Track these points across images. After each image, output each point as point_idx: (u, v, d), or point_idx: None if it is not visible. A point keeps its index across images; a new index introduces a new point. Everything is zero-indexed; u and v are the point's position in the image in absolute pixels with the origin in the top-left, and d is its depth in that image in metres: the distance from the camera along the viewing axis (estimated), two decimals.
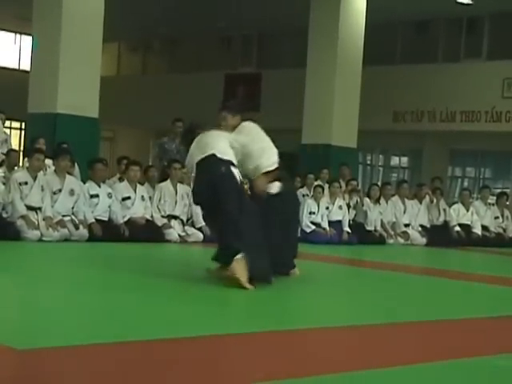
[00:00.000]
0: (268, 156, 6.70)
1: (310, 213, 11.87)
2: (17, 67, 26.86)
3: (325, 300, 6.12)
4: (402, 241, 13.06)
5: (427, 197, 13.71)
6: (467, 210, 14.26)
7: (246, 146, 6.59)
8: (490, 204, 14.93)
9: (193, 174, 6.76)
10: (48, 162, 9.82)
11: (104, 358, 3.51)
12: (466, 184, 21.27)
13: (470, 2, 18.31)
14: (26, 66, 20.65)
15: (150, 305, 5.14)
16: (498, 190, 18.19)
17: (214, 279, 6.45)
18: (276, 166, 6.72)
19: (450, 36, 20.98)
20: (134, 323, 4.38)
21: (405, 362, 3.88)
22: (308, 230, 11.79)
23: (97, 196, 9.76)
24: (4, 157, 10.18)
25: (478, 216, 14.30)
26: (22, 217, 8.90)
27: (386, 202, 13.09)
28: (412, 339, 4.60)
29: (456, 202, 14.88)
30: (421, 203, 13.62)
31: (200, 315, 4.86)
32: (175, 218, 10.45)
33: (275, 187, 6.67)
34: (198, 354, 3.73)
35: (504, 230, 14.63)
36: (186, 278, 6.59)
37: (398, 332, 4.79)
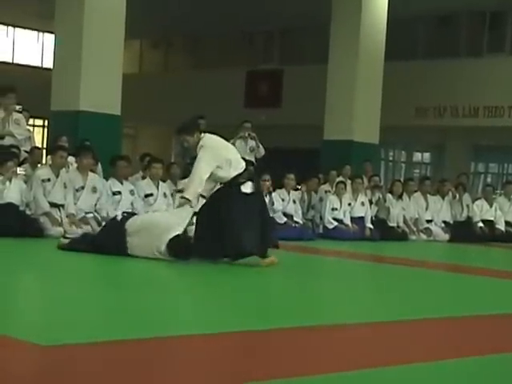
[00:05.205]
0: (235, 167, 7.11)
1: (333, 209, 11.85)
2: (39, 65, 27.02)
3: (346, 296, 6.10)
4: (424, 237, 13.00)
5: (450, 193, 13.64)
6: (490, 206, 14.17)
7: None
8: None
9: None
10: (71, 159, 9.87)
11: (127, 354, 3.51)
12: (489, 180, 21.12)
13: None
14: (48, 64, 20.75)
15: (166, 301, 5.16)
16: None
17: (229, 272, 6.45)
18: (243, 168, 7.13)
19: (472, 30, 20.84)
20: (158, 320, 4.39)
21: (429, 358, 3.86)
22: (330, 227, 11.78)
23: (119, 193, 9.79)
24: (27, 154, 10.25)
25: (501, 212, 14.21)
26: (46, 214, 8.96)
27: (409, 198, 13.03)
28: (437, 336, 4.57)
29: (479, 198, 14.78)
30: (443, 199, 13.55)
31: (214, 311, 4.86)
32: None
33: (248, 187, 7.07)
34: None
35: None
36: (205, 275, 6.59)
37: (422, 329, 4.76)
